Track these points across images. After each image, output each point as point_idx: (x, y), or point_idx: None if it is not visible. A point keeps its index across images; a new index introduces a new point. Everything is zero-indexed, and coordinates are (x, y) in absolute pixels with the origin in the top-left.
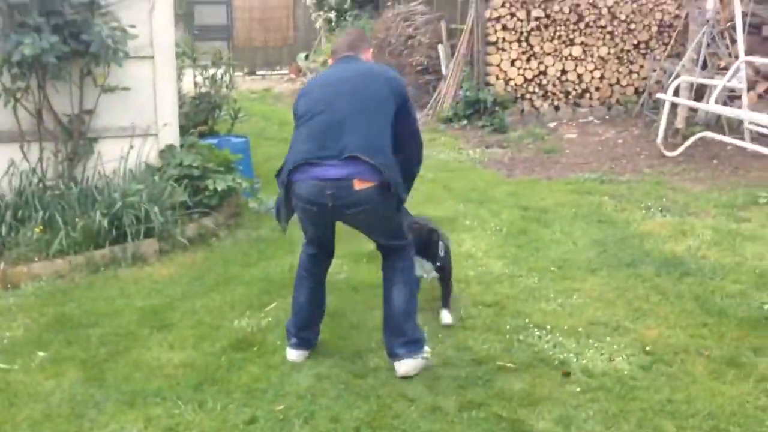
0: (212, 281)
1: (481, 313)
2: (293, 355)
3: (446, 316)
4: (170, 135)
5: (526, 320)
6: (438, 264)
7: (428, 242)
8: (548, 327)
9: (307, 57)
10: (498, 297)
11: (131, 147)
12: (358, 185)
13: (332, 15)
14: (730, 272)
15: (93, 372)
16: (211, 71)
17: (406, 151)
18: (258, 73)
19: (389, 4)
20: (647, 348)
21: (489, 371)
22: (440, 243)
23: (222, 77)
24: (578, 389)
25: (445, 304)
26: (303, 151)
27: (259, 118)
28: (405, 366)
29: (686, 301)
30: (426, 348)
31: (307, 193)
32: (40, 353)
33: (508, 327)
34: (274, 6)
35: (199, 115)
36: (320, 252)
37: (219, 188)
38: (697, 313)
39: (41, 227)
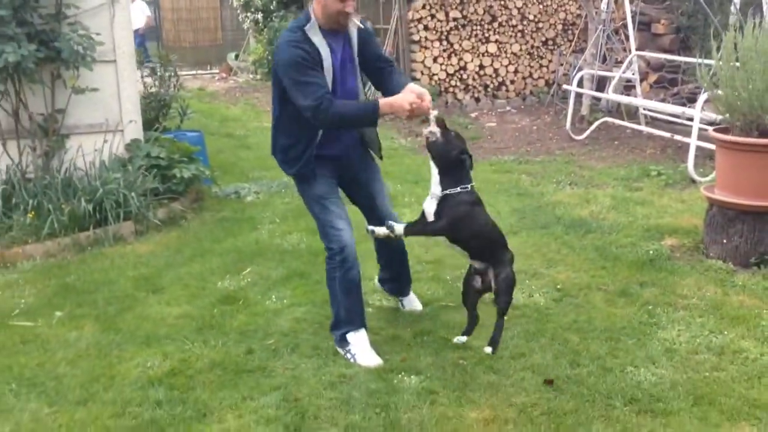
0: (189, 254)
1: (424, 268)
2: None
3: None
4: (134, 130)
5: (462, 271)
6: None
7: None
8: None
9: (236, 57)
10: (437, 256)
11: (105, 141)
12: None
13: (259, 16)
14: (623, 229)
15: (107, 324)
16: (160, 72)
17: None
18: (189, 72)
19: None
20: (558, 286)
21: (434, 309)
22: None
23: (170, 77)
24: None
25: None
26: None
27: (199, 115)
28: None
29: (589, 251)
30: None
31: None
32: (57, 313)
33: (447, 277)
34: (201, 6)
35: (150, 113)
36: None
37: (186, 176)
38: (597, 259)
39: (33, 213)
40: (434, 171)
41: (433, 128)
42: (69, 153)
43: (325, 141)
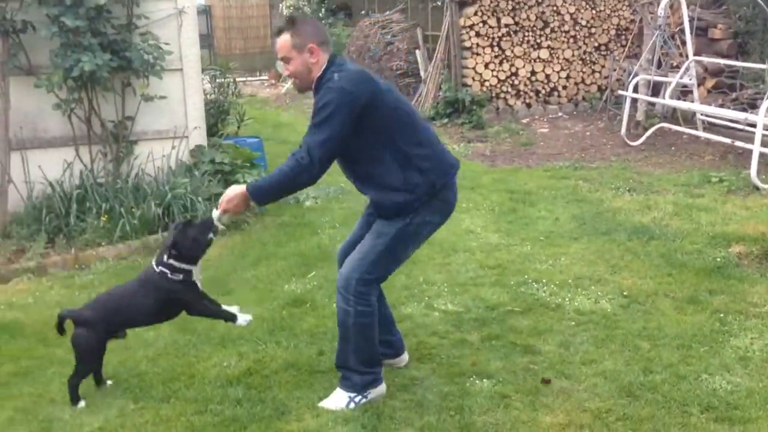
0: (254, 258)
1: (487, 273)
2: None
3: None
4: (199, 137)
5: (525, 277)
6: None
7: None
8: (544, 281)
9: None
10: (499, 261)
11: (173, 147)
12: None
13: None
14: (688, 236)
15: (183, 325)
16: (219, 80)
17: None
18: (239, 79)
19: (363, 12)
20: (624, 293)
21: (501, 314)
22: None
23: (229, 85)
24: (573, 323)
25: None
26: (451, 158)
27: (252, 121)
28: None
29: (654, 258)
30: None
31: (455, 197)
32: None
33: (511, 282)
34: (251, 15)
35: (209, 120)
36: None
37: (249, 181)
38: (663, 266)
39: (106, 216)
40: None
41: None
42: (138, 158)
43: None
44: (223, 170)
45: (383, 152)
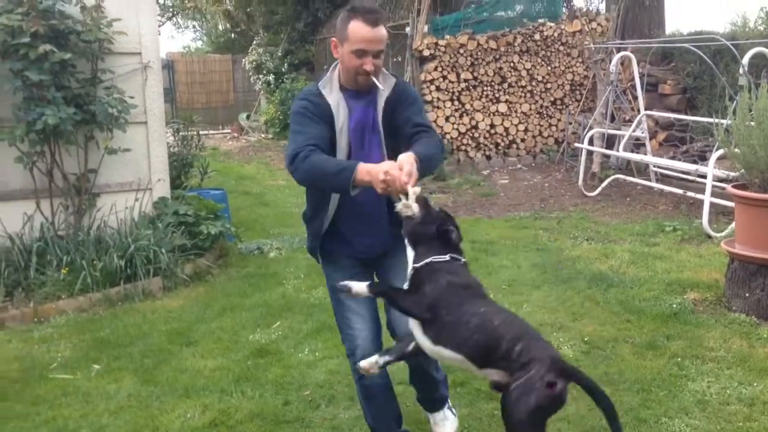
0: (219, 309)
1: None
2: None
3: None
4: (162, 189)
5: None
6: None
7: None
8: None
9: (248, 117)
10: None
11: (136, 199)
12: None
13: (271, 78)
14: (645, 283)
15: (145, 377)
16: (182, 133)
17: None
18: (201, 132)
19: (325, 67)
20: (585, 339)
21: None
22: None
23: (192, 138)
24: None
25: None
26: None
27: (215, 173)
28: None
29: (613, 305)
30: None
31: None
32: (95, 366)
33: None
34: (214, 70)
35: (172, 172)
36: None
37: (213, 232)
38: (621, 313)
39: (67, 269)
40: (409, 250)
41: (412, 204)
42: (100, 211)
43: (356, 228)
44: (187, 222)
45: None
